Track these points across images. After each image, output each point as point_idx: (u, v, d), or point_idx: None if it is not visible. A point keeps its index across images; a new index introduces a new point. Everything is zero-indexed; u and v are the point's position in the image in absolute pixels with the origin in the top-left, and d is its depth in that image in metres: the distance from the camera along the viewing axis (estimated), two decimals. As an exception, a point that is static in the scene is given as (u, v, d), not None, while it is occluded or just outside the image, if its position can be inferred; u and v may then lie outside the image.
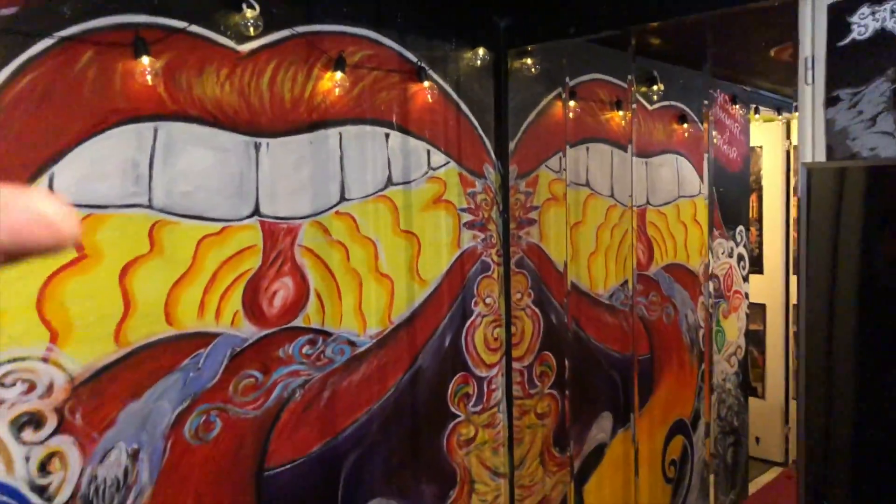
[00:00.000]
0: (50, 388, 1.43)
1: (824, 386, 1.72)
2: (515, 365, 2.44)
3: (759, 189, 4.27)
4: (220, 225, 1.68)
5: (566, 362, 2.57)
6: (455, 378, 2.24)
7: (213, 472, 1.69)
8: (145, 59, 1.52)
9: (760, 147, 4.18)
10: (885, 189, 1.69)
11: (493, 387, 2.36)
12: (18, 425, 1.39)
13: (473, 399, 2.30)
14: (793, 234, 4.16)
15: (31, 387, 1.41)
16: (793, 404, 4.05)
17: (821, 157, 1.70)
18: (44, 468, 1.43)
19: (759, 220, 4.29)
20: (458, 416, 2.25)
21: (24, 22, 1.37)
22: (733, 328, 3.56)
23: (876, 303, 1.69)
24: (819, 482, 1.68)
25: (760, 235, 4.30)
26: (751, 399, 3.89)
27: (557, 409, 2.60)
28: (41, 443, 1.43)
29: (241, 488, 1.75)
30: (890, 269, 1.67)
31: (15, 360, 1.38)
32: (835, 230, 1.70)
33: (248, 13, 1.67)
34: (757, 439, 3.85)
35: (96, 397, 1.50)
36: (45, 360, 1.42)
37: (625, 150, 2.79)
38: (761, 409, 4.17)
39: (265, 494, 1.79)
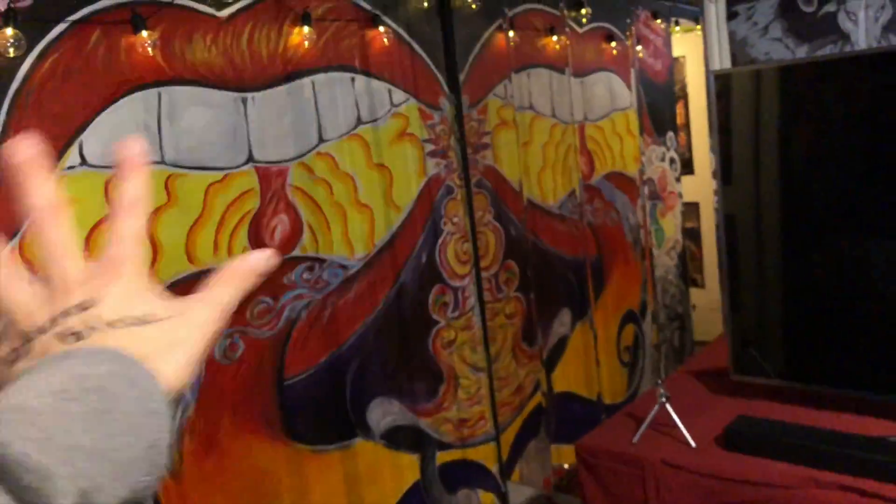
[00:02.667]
0: (103, 325, 1.69)
1: (750, 266, 2.08)
2: (484, 274, 2.76)
3: (686, 96, 4.61)
4: (222, 173, 1.93)
5: (526, 269, 2.90)
6: (433, 289, 2.55)
7: (242, 386, 1.98)
8: (144, 33, 1.72)
9: (684, 57, 4.50)
10: (790, 86, 2.02)
11: (467, 294, 2.69)
12: (83, 357, 1.65)
13: (451, 306, 2.62)
14: (717, 135, 4.51)
15: (89, 324, 1.66)
16: (728, 289, 4.49)
17: (726, 64, 2.01)
18: (108, 391, 1.70)
19: (687, 125, 4.65)
20: (440, 322, 2.58)
21: (40, 11, 1.57)
22: (671, 225, 3.95)
23: (791, 189, 2.03)
24: (744, 333, 2.06)
25: (689, 139, 4.66)
26: (693, 289, 4.33)
27: (523, 309, 2.94)
28: (103, 370, 1.69)
29: (267, 397, 2.05)
30: (804, 156, 2.01)
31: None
32: (748, 130, 2.03)
33: (224, -18, 1.87)
34: (693, 305, 4.28)
35: (141, 329, 1.76)
36: (96, 301, 1.67)
37: (561, 72, 3.07)
38: (703, 296, 4.61)
39: (287, 401, 2.09)
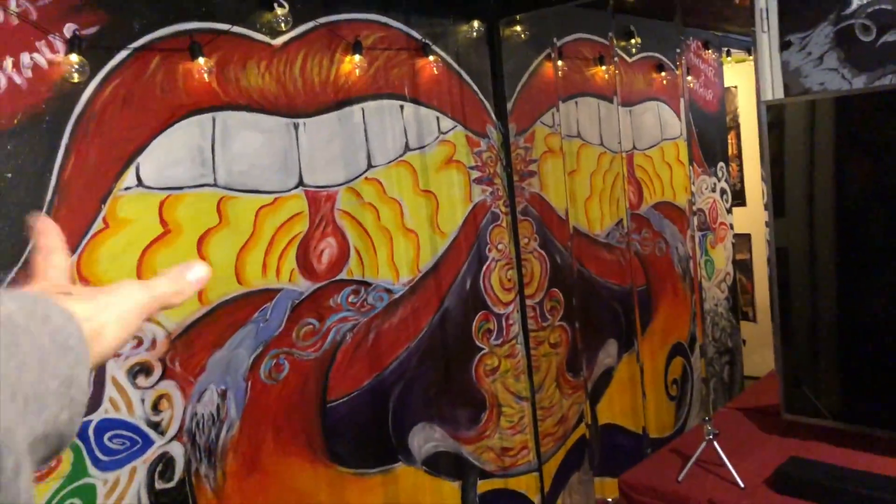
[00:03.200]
0: (154, 343, 1.73)
1: (801, 295, 2.03)
2: (528, 302, 2.74)
3: (737, 127, 4.54)
4: (272, 196, 1.96)
5: (571, 297, 2.88)
6: (477, 316, 2.54)
7: (286, 406, 2.00)
8: (200, 60, 1.78)
9: (735, 87, 4.43)
10: (846, 117, 1.97)
11: (511, 322, 2.67)
12: (133, 374, 1.69)
13: (494, 333, 2.61)
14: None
15: (140, 342, 1.70)
16: (781, 323, 4.36)
17: (779, 94, 1.98)
18: (156, 407, 1.73)
19: (739, 155, 4.57)
20: (483, 349, 2.56)
21: (104, 38, 1.63)
22: (721, 257, 3.88)
23: (846, 222, 1.97)
24: (796, 370, 1.99)
25: (741, 170, 4.58)
26: (744, 323, 4.23)
27: (568, 338, 2.91)
28: (151, 387, 1.73)
29: (309, 419, 2.06)
30: (861, 189, 1.95)
31: (125, 320, 1.67)
32: (801, 161, 1.99)
33: (279, 11, 1.93)
34: (744, 340, 4.17)
35: (189, 348, 1.80)
36: (147, 319, 1.71)
37: (610, 101, 3.06)
38: (753, 330, 4.49)
39: (329, 423, 2.10)
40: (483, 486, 2.56)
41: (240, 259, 1.90)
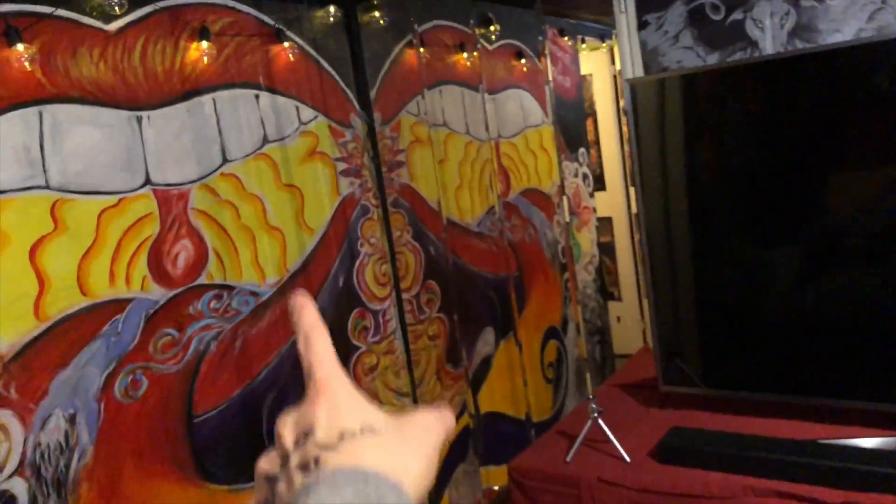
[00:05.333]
0: (-19, 369, 1.51)
1: (668, 273, 2.07)
2: (404, 295, 2.67)
3: (594, 113, 4.68)
4: (116, 197, 1.78)
5: (448, 289, 2.83)
6: (352, 314, 2.44)
7: (147, 426, 1.82)
8: (19, 46, 1.57)
9: (591, 75, 4.57)
10: (697, 93, 2.03)
11: (388, 317, 2.59)
12: (-42, 406, 1.47)
13: (371, 331, 2.52)
14: (626, 151, 4.59)
15: (-36, 369, 1.48)
16: (645, 302, 4.55)
17: (640, 73, 2.01)
18: (-11, 443, 1.52)
19: (597, 141, 4.71)
20: (360, 348, 2.47)
21: None
22: (586, 240, 3.97)
23: (700, 198, 2.04)
24: (671, 344, 2.04)
25: (600, 155, 4.73)
26: (610, 302, 4.37)
27: (446, 330, 2.87)
28: (-18, 420, 1.51)
29: (175, 436, 1.89)
30: (711, 164, 2.02)
31: (-56, 345, 1.45)
32: (661, 138, 2.03)
33: (111, -8, 1.74)
34: (618, 318, 4.33)
35: (26, 371, 1.59)
36: None
37: (473, 89, 3.04)
38: (620, 309, 4.66)
39: (198, 439, 1.94)
40: (368, 489, 2.46)
41: (82, 268, 1.70)
